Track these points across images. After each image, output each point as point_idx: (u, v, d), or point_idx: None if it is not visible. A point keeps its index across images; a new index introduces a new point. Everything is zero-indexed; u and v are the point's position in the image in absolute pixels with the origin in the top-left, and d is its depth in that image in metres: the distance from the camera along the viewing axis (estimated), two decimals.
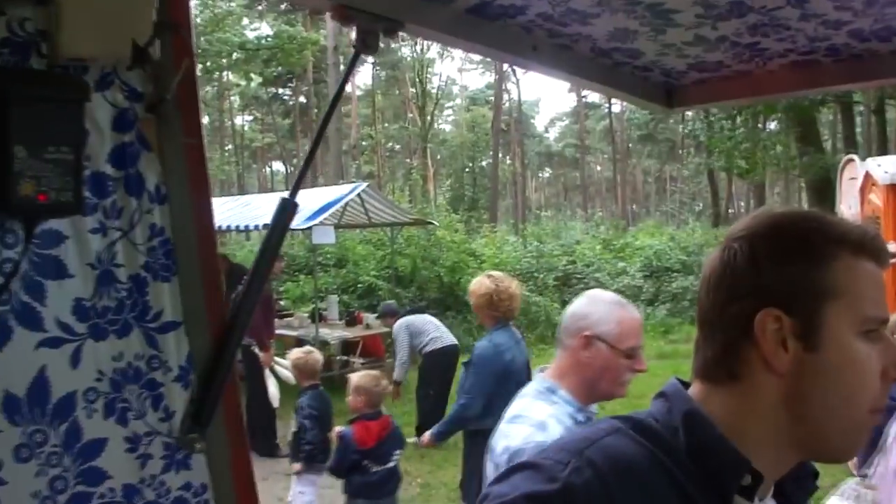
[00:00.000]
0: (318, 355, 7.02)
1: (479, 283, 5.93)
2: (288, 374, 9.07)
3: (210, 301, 1.59)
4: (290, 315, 15.01)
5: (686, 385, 1.31)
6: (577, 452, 1.18)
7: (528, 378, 6.19)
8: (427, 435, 6.46)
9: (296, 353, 7.08)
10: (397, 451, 6.08)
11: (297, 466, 6.77)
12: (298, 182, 1.68)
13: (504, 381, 5.64)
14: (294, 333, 13.74)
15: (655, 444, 1.21)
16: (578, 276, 22.16)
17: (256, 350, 9.82)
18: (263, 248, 1.63)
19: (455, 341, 11.18)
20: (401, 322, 10.85)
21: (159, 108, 1.49)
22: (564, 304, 19.26)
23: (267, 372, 9.88)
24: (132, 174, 1.49)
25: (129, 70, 1.48)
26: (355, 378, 6.09)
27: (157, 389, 1.55)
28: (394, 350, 13.77)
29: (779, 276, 1.21)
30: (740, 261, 1.24)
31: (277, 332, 12.47)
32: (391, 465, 5.96)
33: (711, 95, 2.47)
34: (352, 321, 14.41)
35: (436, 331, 10.97)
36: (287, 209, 1.63)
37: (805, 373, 1.20)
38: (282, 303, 16.72)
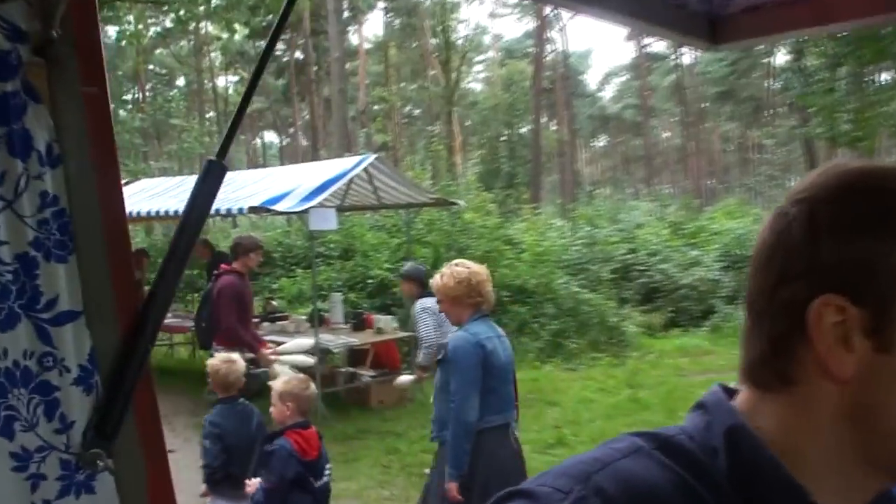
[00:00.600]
0: (240, 365, 7.15)
1: (450, 273, 6.28)
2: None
3: (119, 287, 1.56)
4: (286, 318, 15.03)
5: (733, 393, 1.25)
6: (583, 478, 1.12)
7: (513, 378, 6.32)
8: (448, 481, 6.41)
9: (214, 360, 7.24)
10: (329, 465, 6.34)
11: (204, 489, 6.95)
12: (229, 137, 1.66)
13: (486, 377, 5.93)
14: (288, 340, 13.77)
15: (688, 469, 1.15)
16: (640, 267, 22.09)
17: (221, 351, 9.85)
18: (183, 223, 1.61)
19: None
20: (422, 303, 10.89)
21: (49, 50, 1.46)
22: (623, 302, 19.36)
23: (275, 371, 9.96)
24: (17, 131, 1.46)
25: (6, 2, 1.46)
26: (279, 384, 6.26)
27: (52, 394, 1.51)
28: (411, 360, 13.80)
29: (844, 253, 1.13)
30: (796, 231, 1.16)
31: (268, 338, 12.50)
32: (327, 479, 6.22)
33: (764, 26, 2.37)
34: (360, 325, 14.35)
35: None
36: (212, 172, 1.61)
37: (876, 379, 1.12)
38: (274, 303, 16.78)
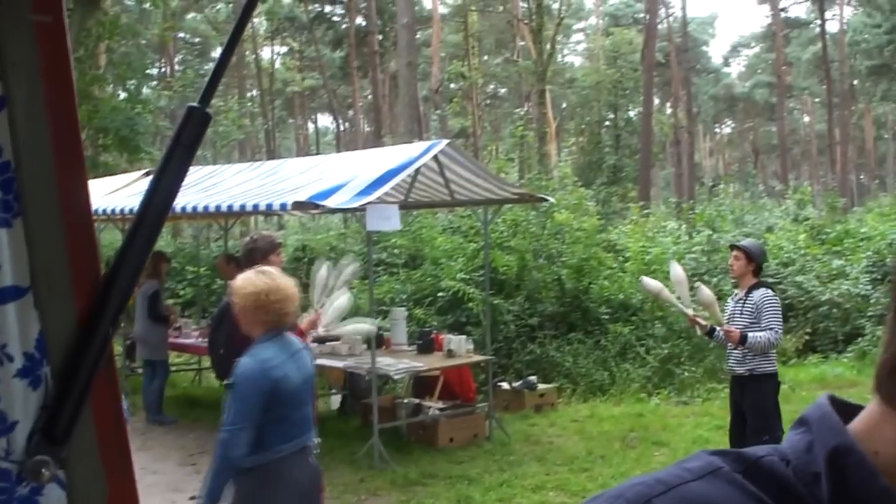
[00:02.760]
0: None
1: (245, 280, 6.56)
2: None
3: (76, 258, 1.54)
4: (337, 338, 15.09)
5: (853, 409, 1.20)
6: (639, 502, 1.10)
7: (313, 397, 6.84)
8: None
9: None
10: None
11: None
12: (213, 82, 1.65)
13: (275, 406, 6.24)
14: (341, 364, 13.83)
15: (777, 499, 1.11)
16: (770, 279, 21.88)
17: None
18: (158, 177, 1.60)
19: None
20: None
21: None
22: None
23: None
24: None
25: None
26: None
27: None
28: (488, 391, 13.79)
29: None
30: None
31: (318, 362, 12.56)
32: None
33: None
34: (427, 346, 14.36)
35: None
36: (194, 119, 1.60)
37: None
38: None
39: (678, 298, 10.80)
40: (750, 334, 10.19)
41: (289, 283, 6.59)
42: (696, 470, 1.13)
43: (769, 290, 10.47)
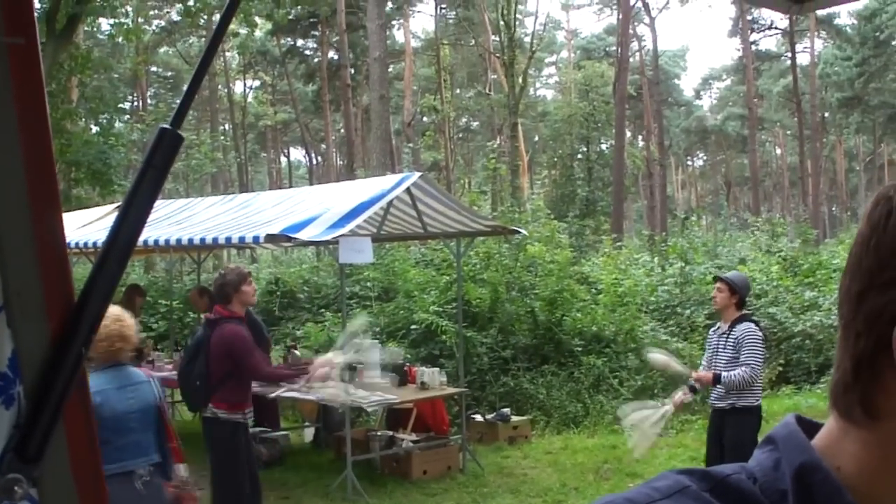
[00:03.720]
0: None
1: None
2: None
3: (49, 276, 1.54)
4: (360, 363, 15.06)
5: (819, 428, 1.21)
6: None
7: (154, 425, 7.10)
8: None
9: None
10: None
11: None
12: (185, 103, 1.66)
13: (100, 428, 6.34)
14: (313, 397, 13.78)
15: None
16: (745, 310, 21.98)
17: (221, 414, 9.80)
18: (130, 196, 1.61)
19: None
20: None
21: None
22: None
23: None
24: None
25: None
26: None
27: None
28: (461, 423, 13.78)
29: None
30: (891, 227, 1.13)
31: (286, 395, 12.55)
32: None
33: None
34: (401, 379, 14.34)
35: None
36: (165, 141, 1.61)
37: None
38: (297, 352, 16.83)
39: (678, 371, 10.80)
40: (724, 374, 10.14)
41: (113, 326, 6.89)
42: (663, 489, 1.14)
43: (752, 325, 10.34)
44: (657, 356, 11.28)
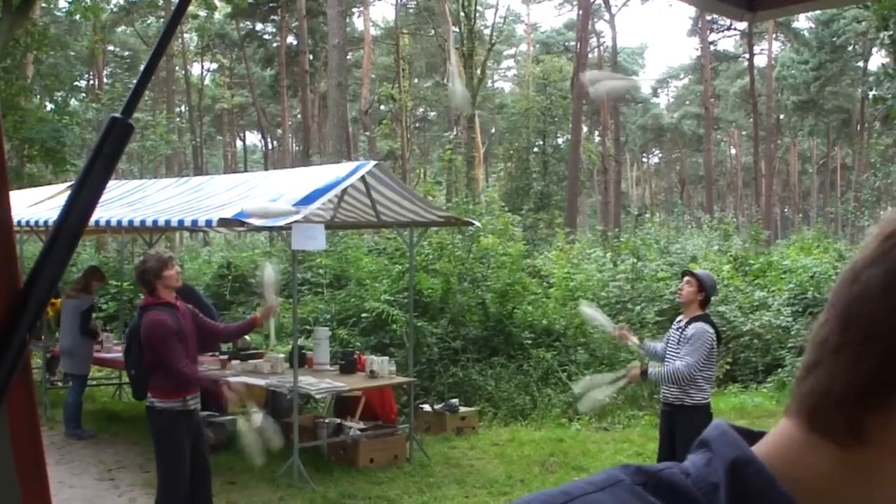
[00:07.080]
0: None
1: None
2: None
3: None
4: (260, 356, 15.01)
5: (752, 435, 1.18)
6: None
7: None
8: None
9: None
10: None
11: None
12: (136, 92, 1.66)
13: None
14: (262, 382, 13.73)
15: None
16: None
17: (157, 403, 9.66)
18: (79, 185, 1.60)
19: None
20: None
21: None
22: None
23: (245, 425, 9.80)
24: None
25: None
26: None
27: None
28: (409, 413, 13.77)
29: None
30: None
31: (236, 378, 12.49)
32: None
33: None
34: (350, 367, 14.25)
35: None
36: (116, 129, 1.61)
37: None
38: (247, 338, 16.77)
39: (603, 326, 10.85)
40: (651, 369, 10.28)
41: None
42: (598, 482, 1.15)
43: (705, 325, 10.32)
44: (588, 310, 11.30)
